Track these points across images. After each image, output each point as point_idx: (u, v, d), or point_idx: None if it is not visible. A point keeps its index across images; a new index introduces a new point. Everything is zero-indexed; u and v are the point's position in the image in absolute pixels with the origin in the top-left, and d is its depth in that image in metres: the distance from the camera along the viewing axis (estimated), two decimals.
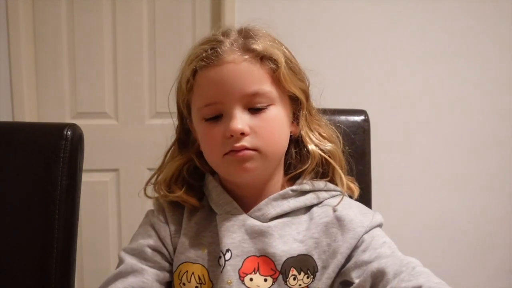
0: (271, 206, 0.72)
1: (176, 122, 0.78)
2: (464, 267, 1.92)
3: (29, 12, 1.67)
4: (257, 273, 0.69)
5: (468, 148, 1.88)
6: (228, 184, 0.74)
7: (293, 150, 0.75)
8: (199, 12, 1.73)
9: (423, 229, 1.88)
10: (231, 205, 0.73)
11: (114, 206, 1.78)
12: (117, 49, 1.73)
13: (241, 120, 0.66)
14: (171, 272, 0.73)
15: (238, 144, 0.66)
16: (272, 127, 0.69)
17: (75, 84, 1.73)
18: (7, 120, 1.62)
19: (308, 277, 0.69)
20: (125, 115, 1.76)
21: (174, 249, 0.73)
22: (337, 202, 0.73)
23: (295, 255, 0.69)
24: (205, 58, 0.68)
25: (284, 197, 0.73)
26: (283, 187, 0.75)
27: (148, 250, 0.73)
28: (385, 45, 1.79)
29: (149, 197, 0.79)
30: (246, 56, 0.68)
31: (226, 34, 0.71)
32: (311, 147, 0.74)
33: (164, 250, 0.73)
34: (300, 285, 0.69)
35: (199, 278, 0.70)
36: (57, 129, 0.87)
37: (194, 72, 0.70)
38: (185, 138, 0.78)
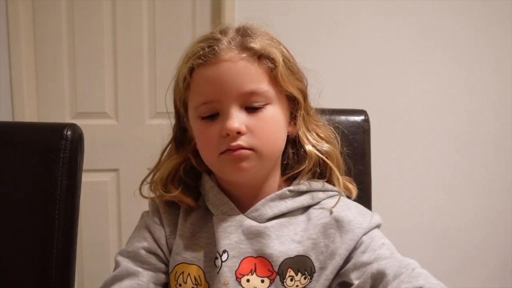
0: (268, 206, 0.71)
1: (173, 121, 0.78)
2: (464, 267, 1.92)
3: (29, 12, 1.67)
4: (254, 274, 0.68)
5: (468, 148, 1.88)
6: (224, 184, 0.74)
7: (290, 150, 0.75)
8: (199, 12, 1.73)
9: (423, 229, 1.88)
10: (228, 205, 0.72)
11: (114, 206, 1.78)
12: (117, 49, 1.73)
13: (237, 119, 0.66)
14: (167, 273, 0.73)
15: (234, 143, 0.66)
16: (268, 127, 0.68)
17: (75, 84, 1.73)
18: (7, 120, 1.62)
19: (305, 278, 0.69)
20: (125, 115, 1.76)
21: (170, 250, 0.73)
22: (334, 202, 0.72)
23: (292, 256, 0.69)
24: (202, 56, 0.68)
25: (281, 197, 0.72)
26: (280, 187, 0.74)
27: (143, 253, 0.72)
28: (385, 45, 1.79)
29: (145, 197, 0.78)
30: (244, 55, 0.67)
31: (223, 32, 0.70)
32: (308, 147, 0.73)
33: (159, 252, 0.73)
34: (297, 286, 0.68)
35: (195, 279, 0.70)
36: (57, 129, 0.87)
37: (191, 70, 0.69)
38: (181, 137, 0.77)
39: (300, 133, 0.74)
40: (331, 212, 0.71)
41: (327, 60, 1.75)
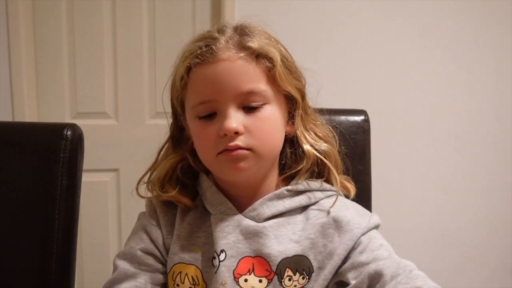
0: (266, 206, 0.71)
1: (170, 120, 0.77)
2: (464, 267, 1.92)
3: (29, 12, 1.67)
4: (252, 274, 0.68)
5: (468, 148, 1.88)
6: (222, 183, 0.74)
7: (288, 150, 0.74)
8: (199, 12, 1.73)
9: (423, 229, 1.88)
10: (226, 205, 0.72)
11: (114, 206, 1.78)
12: (117, 49, 1.73)
13: (235, 119, 0.66)
14: (165, 273, 0.73)
15: (232, 144, 0.66)
16: (266, 127, 0.68)
17: (75, 84, 1.73)
18: (7, 120, 1.62)
19: (303, 278, 0.68)
20: (125, 115, 1.76)
21: (167, 250, 0.73)
22: (332, 202, 0.72)
23: (290, 255, 0.69)
24: (199, 55, 0.67)
25: (279, 197, 0.72)
26: (277, 187, 0.74)
27: (141, 254, 0.72)
28: (385, 45, 1.79)
29: (142, 197, 0.78)
30: (242, 54, 0.67)
31: (221, 31, 0.70)
32: (306, 147, 0.73)
33: (156, 252, 0.73)
34: (295, 286, 0.68)
35: (193, 279, 0.70)
36: (57, 129, 0.87)
37: (188, 69, 0.69)
38: (179, 135, 0.77)
39: (298, 132, 0.73)
40: (329, 212, 0.71)
41: (327, 60, 1.75)
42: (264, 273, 0.68)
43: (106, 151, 1.75)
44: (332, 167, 0.73)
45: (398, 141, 1.82)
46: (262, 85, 0.67)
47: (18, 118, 1.65)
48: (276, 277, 0.68)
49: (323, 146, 0.74)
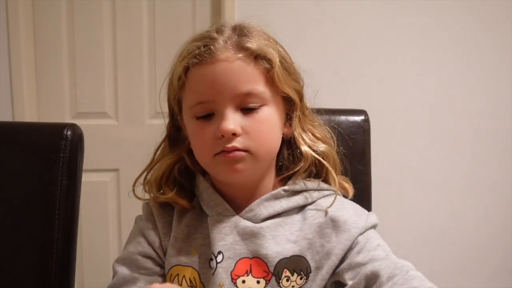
0: (263, 206, 0.71)
1: (167, 119, 0.77)
2: (464, 267, 1.92)
3: (29, 12, 1.66)
4: (250, 275, 0.68)
5: (468, 148, 1.88)
6: (219, 184, 0.73)
7: (285, 151, 0.74)
8: (199, 12, 1.73)
9: (423, 229, 1.88)
10: (223, 206, 0.71)
11: (114, 206, 1.78)
12: (117, 49, 1.73)
13: (233, 120, 0.65)
14: (164, 276, 0.72)
15: (229, 145, 0.65)
16: (264, 128, 0.68)
17: (75, 84, 1.73)
18: (7, 120, 1.62)
19: (301, 278, 0.68)
20: (125, 115, 1.76)
21: (165, 253, 0.72)
22: (330, 201, 0.71)
23: (288, 256, 0.68)
24: (197, 55, 0.67)
25: (276, 197, 0.71)
26: (275, 187, 0.73)
27: (139, 258, 0.72)
28: (385, 45, 1.79)
29: (139, 198, 0.78)
30: (240, 55, 0.66)
31: (220, 31, 0.69)
32: (304, 148, 0.72)
33: (154, 255, 0.73)
34: (293, 286, 0.68)
35: (190, 281, 0.70)
36: (57, 129, 0.87)
37: (186, 69, 0.68)
38: (175, 135, 0.76)
39: (296, 134, 0.73)
40: (326, 212, 0.71)
41: (327, 60, 1.75)
42: (262, 274, 0.68)
43: (106, 151, 1.75)
44: (330, 168, 0.73)
45: (398, 141, 1.82)
46: (260, 86, 0.67)
47: (18, 118, 1.65)
48: (274, 278, 0.68)
49: (321, 147, 0.73)
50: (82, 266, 1.74)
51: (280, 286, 0.68)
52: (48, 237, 0.85)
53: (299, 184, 0.73)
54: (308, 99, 0.76)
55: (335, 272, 0.68)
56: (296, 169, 0.73)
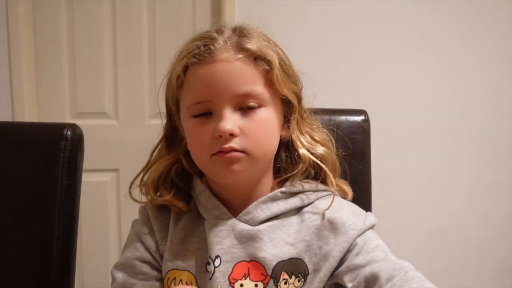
0: (260, 209, 0.70)
1: (165, 120, 0.77)
2: (464, 267, 1.92)
3: (29, 12, 1.66)
4: (248, 278, 0.68)
5: (468, 148, 1.88)
6: (216, 186, 0.73)
7: (283, 154, 0.74)
8: (199, 12, 1.73)
9: (423, 229, 1.88)
10: (220, 209, 0.71)
11: (114, 206, 1.78)
12: (117, 49, 1.73)
13: (231, 120, 0.65)
14: (161, 280, 0.72)
15: (226, 145, 0.65)
16: (262, 129, 0.67)
17: (75, 84, 1.73)
18: (7, 120, 1.62)
19: (299, 281, 0.68)
20: (125, 115, 1.76)
21: (162, 257, 0.72)
22: (328, 203, 0.71)
23: (285, 258, 0.68)
24: (197, 55, 0.66)
25: (273, 199, 0.71)
26: (272, 190, 0.73)
27: (137, 263, 0.72)
28: (385, 45, 1.79)
29: (136, 201, 0.77)
30: (240, 56, 0.66)
31: (220, 31, 0.69)
32: (302, 151, 0.72)
33: (152, 260, 0.73)
34: None
35: (187, 285, 0.69)
36: (57, 129, 0.87)
37: (185, 69, 0.68)
38: (172, 136, 0.76)
39: (294, 136, 0.72)
40: (324, 214, 0.70)
41: (327, 60, 1.75)
42: (259, 277, 0.67)
43: (106, 151, 1.75)
44: (328, 171, 0.72)
45: (398, 141, 1.82)
46: (259, 88, 0.67)
47: (18, 118, 1.65)
48: (272, 280, 0.67)
49: (320, 149, 0.73)
50: (82, 266, 1.74)
51: None
52: (48, 237, 0.85)
53: (297, 186, 0.72)
54: (307, 103, 0.76)
55: (334, 274, 0.68)
56: (294, 172, 0.72)
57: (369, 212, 0.73)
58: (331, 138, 0.77)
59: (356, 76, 1.77)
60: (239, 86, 0.66)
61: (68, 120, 1.72)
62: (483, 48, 1.84)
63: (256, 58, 0.67)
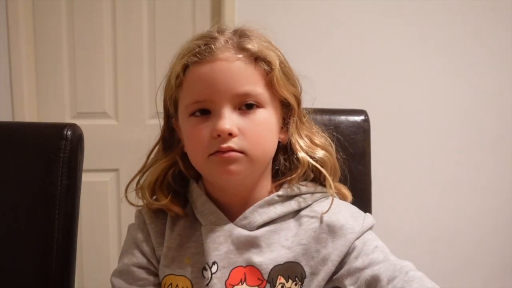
0: (257, 213, 0.69)
1: (162, 121, 0.76)
2: (464, 267, 1.92)
3: (29, 12, 1.66)
4: (244, 283, 0.67)
5: (468, 148, 1.88)
6: (213, 190, 0.72)
7: (281, 157, 0.73)
8: (199, 12, 1.73)
9: (423, 229, 1.88)
10: (216, 215, 0.70)
11: (114, 206, 1.78)
12: (117, 49, 1.73)
13: (229, 120, 0.64)
14: (160, 284, 0.72)
15: (225, 145, 0.64)
16: (261, 130, 0.67)
17: (75, 84, 1.73)
18: (7, 120, 1.62)
19: (296, 284, 0.67)
20: (125, 115, 1.76)
21: (159, 261, 0.72)
22: (326, 205, 0.70)
23: (282, 262, 0.67)
24: (197, 54, 0.66)
25: (270, 203, 0.70)
26: (271, 193, 0.72)
27: (134, 269, 0.72)
28: (385, 45, 1.79)
29: (133, 205, 0.77)
30: (240, 55, 0.66)
31: (221, 31, 0.69)
32: (301, 154, 0.71)
33: (149, 265, 0.72)
34: None
35: None
36: (57, 129, 0.87)
37: (185, 68, 0.68)
38: (169, 137, 0.75)
39: (292, 139, 0.72)
40: (322, 217, 0.70)
41: (327, 60, 1.74)
42: (256, 282, 0.67)
43: (106, 151, 1.75)
44: (328, 176, 0.71)
45: (398, 141, 1.82)
46: (259, 88, 0.67)
47: (18, 118, 1.65)
48: (268, 285, 0.67)
49: (320, 153, 0.72)
50: (82, 266, 1.74)
51: None
52: (48, 237, 0.85)
53: (294, 189, 0.72)
54: (306, 105, 0.75)
55: (334, 278, 0.68)
56: (293, 176, 0.72)
57: (367, 213, 0.73)
58: (331, 142, 0.76)
59: (356, 76, 1.77)
60: (239, 86, 0.65)
61: (68, 120, 1.72)
62: (483, 48, 1.84)
63: (257, 58, 0.67)
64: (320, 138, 0.75)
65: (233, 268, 0.68)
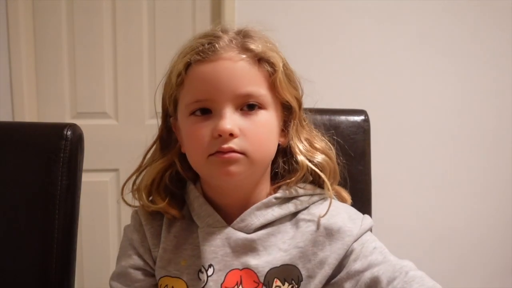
0: (255, 216, 0.69)
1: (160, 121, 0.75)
2: (464, 267, 1.92)
3: (29, 12, 1.66)
4: (240, 286, 0.67)
5: (468, 148, 1.88)
6: (211, 192, 0.71)
7: (280, 160, 0.72)
8: (199, 12, 1.73)
9: (423, 229, 1.88)
10: (213, 217, 0.69)
11: (114, 206, 1.78)
12: (117, 49, 1.73)
13: (231, 120, 0.63)
14: (157, 285, 0.72)
15: (225, 146, 0.63)
16: (262, 132, 0.66)
17: (75, 84, 1.73)
18: (7, 120, 1.62)
19: (292, 287, 0.67)
20: (125, 115, 1.76)
21: (155, 262, 0.72)
22: (323, 207, 0.70)
23: (278, 265, 0.67)
24: (201, 52, 0.65)
25: (268, 205, 0.69)
26: (269, 195, 0.71)
27: (131, 271, 0.72)
28: (385, 45, 1.79)
29: (129, 205, 0.76)
30: (244, 56, 0.65)
31: (225, 30, 0.68)
32: (300, 157, 0.70)
33: (146, 267, 0.72)
34: None
35: None
36: (57, 129, 0.87)
37: (187, 66, 0.66)
38: (167, 137, 0.74)
39: (292, 143, 0.71)
40: (319, 220, 0.69)
41: (327, 60, 1.75)
42: (252, 285, 0.67)
43: (106, 151, 1.75)
44: (326, 180, 0.71)
45: (398, 141, 1.82)
46: (262, 90, 0.66)
47: (18, 118, 1.65)
48: None
49: (319, 157, 0.71)
50: (82, 266, 1.74)
51: None
52: (48, 237, 0.85)
53: (292, 191, 0.71)
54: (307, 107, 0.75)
55: (333, 281, 0.67)
56: (292, 179, 0.71)
57: (365, 215, 0.72)
58: (331, 146, 0.75)
59: (356, 76, 1.77)
60: (242, 86, 0.64)
61: (68, 120, 1.71)
62: (483, 48, 1.84)
63: (260, 59, 0.66)
64: (320, 142, 0.74)
65: (229, 271, 0.67)
